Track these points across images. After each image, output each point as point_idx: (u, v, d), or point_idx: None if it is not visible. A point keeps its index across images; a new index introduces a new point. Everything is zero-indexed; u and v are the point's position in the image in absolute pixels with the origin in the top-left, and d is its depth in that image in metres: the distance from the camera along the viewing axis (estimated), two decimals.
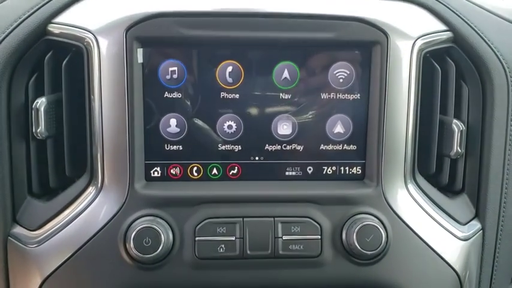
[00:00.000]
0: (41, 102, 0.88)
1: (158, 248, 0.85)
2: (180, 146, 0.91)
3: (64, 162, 0.93)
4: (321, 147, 0.94)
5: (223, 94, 0.91)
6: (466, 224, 1.01)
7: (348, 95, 0.93)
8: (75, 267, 0.89)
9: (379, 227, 0.89)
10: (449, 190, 1.03)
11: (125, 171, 0.88)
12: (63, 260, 0.88)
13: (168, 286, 0.89)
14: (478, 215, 1.02)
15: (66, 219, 0.90)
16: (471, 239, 1.00)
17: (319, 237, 0.90)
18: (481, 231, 1.01)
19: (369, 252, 0.89)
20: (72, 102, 0.91)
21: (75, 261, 0.88)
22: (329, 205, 0.91)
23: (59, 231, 0.89)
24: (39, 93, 0.91)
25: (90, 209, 0.90)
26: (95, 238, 0.88)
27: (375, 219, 0.91)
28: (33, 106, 0.88)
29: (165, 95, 0.90)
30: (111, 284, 0.88)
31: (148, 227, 0.86)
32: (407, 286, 0.93)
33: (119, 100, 0.87)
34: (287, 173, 0.94)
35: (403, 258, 0.93)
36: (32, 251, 0.90)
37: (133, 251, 0.85)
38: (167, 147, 0.91)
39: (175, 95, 0.90)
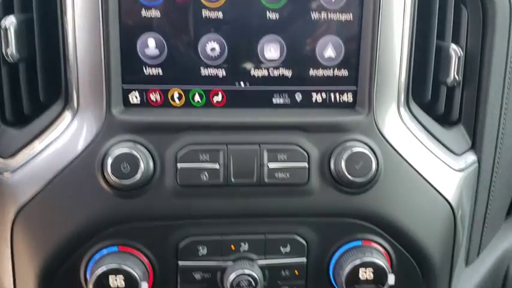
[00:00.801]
0: (10, 22, 0.83)
1: (137, 174, 0.81)
2: (160, 70, 0.86)
3: (38, 87, 0.87)
4: (310, 73, 0.88)
5: (205, 13, 0.84)
6: (461, 155, 0.97)
7: (340, 16, 0.87)
8: (52, 196, 0.85)
9: (369, 154, 0.85)
10: (445, 120, 0.98)
11: (100, 94, 0.83)
12: (39, 189, 0.84)
13: (149, 215, 0.86)
14: (474, 146, 0.98)
15: (41, 146, 0.86)
16: (466, 171, 0.96)
17: (307, 165, 0.86)
18: (477, 163, 0.98)
19: (358, 180, 0.85)
20: (44, 22, 0.86)
21: (51, 190, 0.84)
22: (317, 132, 0.87)
23: (33, 159, 0.85)
24: (8, 13, 0.85)
25: (66, 135, 0.85)
26: (71, 165, 0.84)
27: (365, 146, 0.86)
28: (0, 25, 0.82)
29: (143, 14, 0.84)
30: (90, 213, 0.85)
31: (127, 152, 0.81)
32: (398, 217, 0.90)
33: (93, 19, 0.81)
34: (274, 100, 0.89)
35: (394, 188, 0.89)
36: (6, 179, 0.86)
37: (111, 177, 0.81)
38: (146, 71, 0.86)
39: (154, 13, 0.84)
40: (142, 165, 0.81)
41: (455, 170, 0.95)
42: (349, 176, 0.84)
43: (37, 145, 0.86)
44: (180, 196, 0.85)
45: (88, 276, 0.85)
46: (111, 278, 0.83)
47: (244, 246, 0.89)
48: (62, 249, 0.86)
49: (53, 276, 0.87)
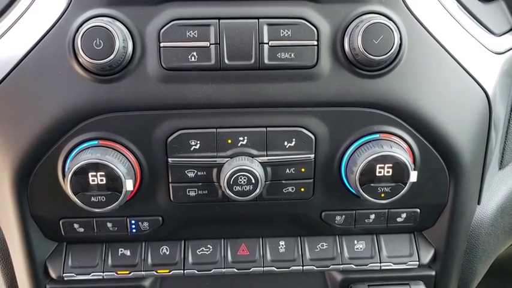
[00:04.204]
0: None
1: (112, 53, 0.69)
2: None
3: None
4: None
5: None
6: (500, 35, 0.82)
7: None
8: (19, 83, 0.73)
9: (390, 26, 0.70)
10: None
11: None
12: (3, 75, 0.73)
13: (131, 103, 0.74)
14: None
15: (3, 27, 0.74)
16: (505, 55, 0.81)
17: (316, 42, 0.72)
18: None
19: (377, 58, 0.70)
20: None
21: (19, 76, 0.73)
22: (329, 3, 0.72)
23: None
24: None
25: (31, 11, 0.73)
26: (39, 46, 0.72)
27: (386, 18, 0.71)
28: None
29: None
30: (64, 101, 0.73)
31: (99, 26, 0.68)
32: (424, 105, 0.76)
33: None
34: None
35: (420, 71, 0.75)
36: None
37: (83, 57, 0.69)
38: None
39: None
40: (118, 42, 0.69)
41: (493, 52, 0.80)
42: (366, 54, 0.70)
43: None
44: (166, 81, 0.73)
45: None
46: (91, 174, 0.73)
47: (243, 141, 0.77)
48: (37, 143, 0.76)
49: (29, 175, 0.78)
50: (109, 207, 0.75)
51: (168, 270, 0.88)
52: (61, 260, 0.87)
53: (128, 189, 0.74)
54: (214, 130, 0.77)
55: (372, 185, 0.76)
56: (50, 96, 0.74)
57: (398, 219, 0.86)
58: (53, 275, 0.87)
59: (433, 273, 0.90)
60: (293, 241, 0.89)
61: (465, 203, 0.85)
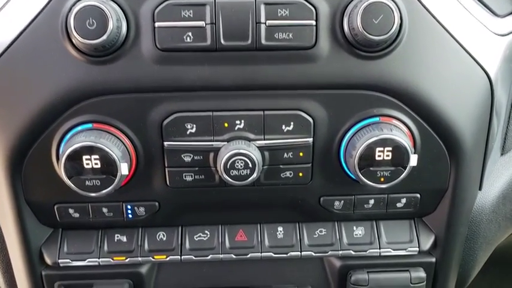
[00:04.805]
0: None
1: (106, 33, 0.67)
2: None
3: None
4: None
5: None
6: (504, 17, 0.80)
7: None
8: (12, 65, 0.72)
9: (390, 5, 0.68)
10: None
11: None
12: None
13: (125, 85, 0.72)
14: None
15: None
16: (507, 37, 0.79)
17: (314, 22, 0.71)
18: None
19: (377, 38, 0.69)
20: None
21: (11, 57, 0.72)
22: None
23: None
24: None
25: None
26: (31, 28, 0.71)
27: None
28: None
29: None
30: (58, 83, 0.72)
31: (92, 5, 0.67)
32: (424, 88, 0.74)
33: None
34: None
35: (421, 52, 0.73)
36: None
37: (76, 37, 0.67)
38: None
39: None
40: (111, 22, 0.67)
41: (496, 34, 0.78)
42: (365, 33, 0.68)
43: None
44: (161, 62, 0.71)
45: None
46: (85, 158, 0.72)
47: (240, 124, 0.76)
48: (30, 127, 0.74)
49: (22, 159, 0.77)
50: (104, 191, 0.74)
51: (165, 256, 0.86)
52: (56, 246, 0.86)
53: (123, 173, 0.73)
54: (211, 113, 0.75)
55: (371, 169, 0.74)
56: (43, 78, 0.72)
57: (398, 205, 0.84)
58: (48, 261, 0.86)
59: (434, 259, 0.89)
60: (291, 227, 0.88)
61: (466, 188, 0.84)
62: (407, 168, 0.75)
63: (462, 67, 0.76)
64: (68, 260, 0.85)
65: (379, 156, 0.74)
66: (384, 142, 0.73)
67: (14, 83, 0.73)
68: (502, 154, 0.92)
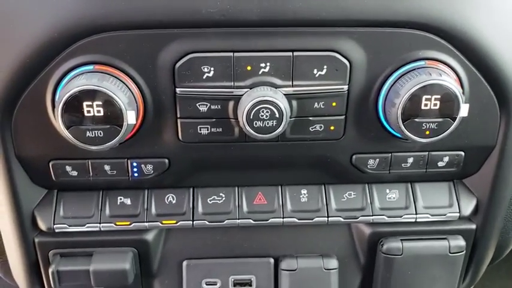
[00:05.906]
0: None
1: None
2: None
3: None
4: None
5: None
6: None
7: None
8: None
9: None
10: None
11: None
12: None
13: (130, 19, 0.61)
14: None
15: None
16: None
17: None
18: None
19: None
20: None
21: None
22: None
23: None
24: None
25: None
26: None
27: None
28: None
29: None
30: (55, 17, 0.62)
31: None
32: (475, 24, 0.65)
33: None
34: None
35: None
36: None
37: None
38: None
39: None
40: None
41: None
42: None
43: None
44: None
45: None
46: (86, 104, 0.61)
47: (265, 68, 0.66)
48: (21, 69, 0.64)
49: (12, 107, 0.67)
50: (107, 144, 0.64)
51: (174, 221, 0.77)
52: (51, 210, 0.76)
53: (129, 122, 0.63)
54: (231, 54, 0.65)
55: (416, 120, 0.65)
56: (37, 11, 0.62)
57: (440, 164, 0.75)
58: (42, 226, 0.76)
59: (474, 226, 0.80)
60: (317, 189, 0.79)
61: None
62: (457, 119, 0.65)
63: None
64: (64, 225, 0.76)
65: (426, 105, 0.64)
66: (432, 89, 0.63)
67: (5, 16, 0.63)
68: None
